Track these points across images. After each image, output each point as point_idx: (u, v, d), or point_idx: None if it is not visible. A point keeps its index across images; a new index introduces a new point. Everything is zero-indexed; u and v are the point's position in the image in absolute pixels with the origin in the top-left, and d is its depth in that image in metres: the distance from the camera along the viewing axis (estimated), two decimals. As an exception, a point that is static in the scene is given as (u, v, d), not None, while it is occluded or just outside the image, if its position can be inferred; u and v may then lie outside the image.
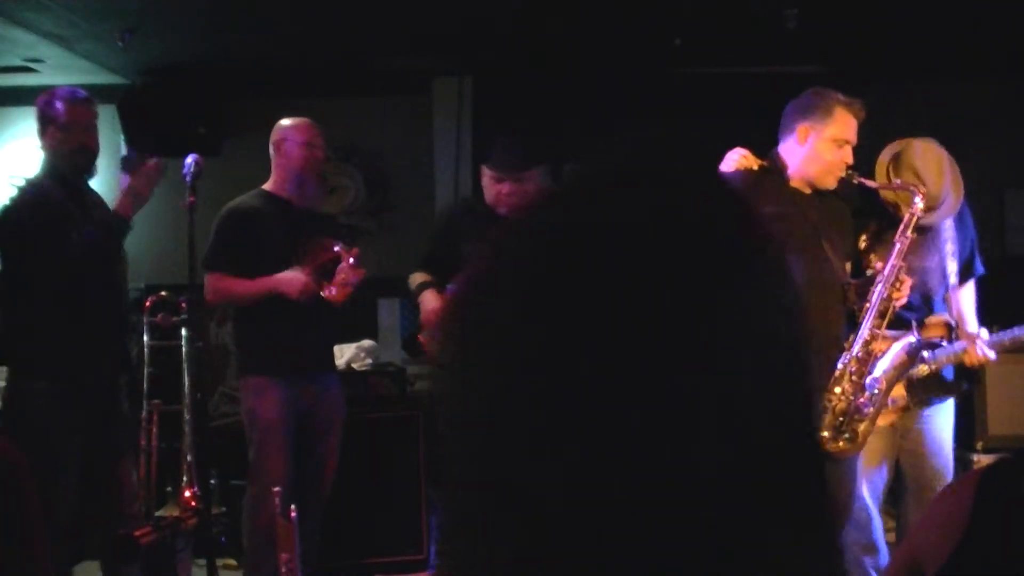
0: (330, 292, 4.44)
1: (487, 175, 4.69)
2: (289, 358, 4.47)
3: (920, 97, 4.25)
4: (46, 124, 4.22)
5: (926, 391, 4.07)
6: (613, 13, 5.77)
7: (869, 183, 3.98)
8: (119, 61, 6.46)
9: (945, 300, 4.27)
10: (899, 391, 4.04)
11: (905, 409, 4.09)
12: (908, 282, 3.91)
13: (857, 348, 3.86)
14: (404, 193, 7.18)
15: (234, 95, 6.86)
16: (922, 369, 4.08)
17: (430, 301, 4.56)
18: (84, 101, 4.27)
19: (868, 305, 3.88)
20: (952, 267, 4.20)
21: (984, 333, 4.16)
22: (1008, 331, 4.12)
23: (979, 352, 4.10)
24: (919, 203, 3.90)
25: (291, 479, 4.38)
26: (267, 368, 4.48)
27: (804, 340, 0.85)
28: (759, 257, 0.86)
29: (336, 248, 4.51)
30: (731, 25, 6.00)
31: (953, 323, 4.21)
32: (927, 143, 4.14)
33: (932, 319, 4.17)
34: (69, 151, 4.20)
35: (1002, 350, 4.13)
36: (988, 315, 4.34)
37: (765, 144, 4.06)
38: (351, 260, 4.49)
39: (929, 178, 4.02)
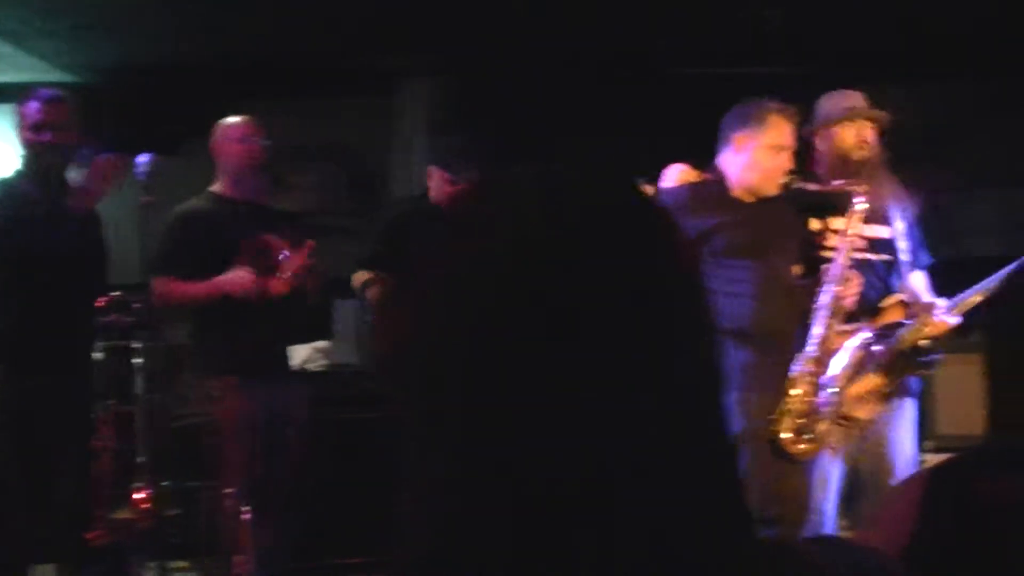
0: (276, 286, 4.44)
1: (439, 176, 4.70)
2: (244, 359, 4.45)
3: (882, 99, 4.28)
4: (21, 123, 4.35)
5: (899, 371, 4.09)
6: (594, 14, 5.78)
7: (810, 187, 4.03)
8: (72, 60, 6.40)
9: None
10: (874, 380, 4.05)
11: (888, 396, 4.09)
12: (857, 280, 3.96)
13: (812, 348, 3.89)
14: (371, 195, 7.14)
15: (204, 95, 6.80)
16: (905, 338, 4.08)
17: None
18: (57, 100, 4.35)
19: (819, 305, 3.92)
20: (903, 244, 4.23)
21: (941, 302, 4.16)
22: (963, 293, 4.11)
23: (939, 319, 4.09)
24: (859, 202, 3.96)
25: (251, 481, 4.36)
26: (222, 369, 4.46)
27: (709, 325, 0.87)
28: (673, 264, 0.86)
29: (270, 240, 4.49)
30: (713, 25, 6.03)
31: (908, 302, 4.20)
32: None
33: (888, 300, 4.18)
34: (42, 150, 4.31)
35: (961, 312, 4.11)
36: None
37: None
38: (286, 252, 4.48)
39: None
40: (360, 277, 4.66)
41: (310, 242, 4.58)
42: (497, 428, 0.77)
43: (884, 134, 4.23)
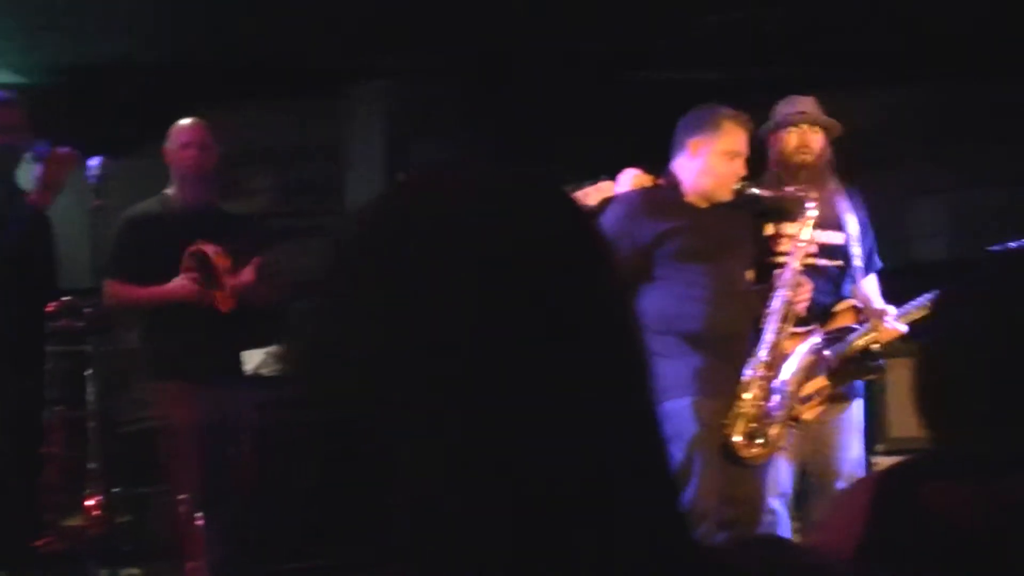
0: (220, 301, 4.42)
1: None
2: (193, 363, 4.43)
3: (827, 104, 4.33)
4: None
5: (846, 375, 4.13)
6: (544, 19, 5.79)
7: (762, 193, 4.06)
8: (21, 60, 6.33)
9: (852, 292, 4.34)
10: (820, 382, 4.09)
11: (831, 399, 4.13)
12: (808, 285, 4.00)
13: (764, 353, 3.93)
14: (323, 198, 7.11)
15: (159, 97, 6.73)
16: (855, 344, 4.13)
17: None
18: (6, 102, 4.37)
19: (771, 310, 3.95)
20: (856, 249, 4.27)
21: (892, 309, 4.22)
22: (913, 301, 4.17)
23: (889, 326, 4.15)
24: (811, 208, 3.98)
25: (202, 486, 4.34)
26: (171, 373, 4.44)
27: (633, 324, 0.88)
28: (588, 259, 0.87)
29: (207, 251, 4.46)
30: (651, 30, 6.05)
31: (860, 306, 4.26)
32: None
33: (841, 306, 4.23)
34: None
35: (911, 320, 4.17)
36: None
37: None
38: (226, 264, 4.46)
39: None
40: None
41: (257, 259, 4.55)
42: (494, 429, 0.77)
43: (835, 141, 4.27)
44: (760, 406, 3.88)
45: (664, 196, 4.05)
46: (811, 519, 4.37)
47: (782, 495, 4.15)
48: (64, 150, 4.37)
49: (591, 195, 4.09)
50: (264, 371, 5.73)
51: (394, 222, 0.84)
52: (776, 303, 3.97)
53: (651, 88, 6.60)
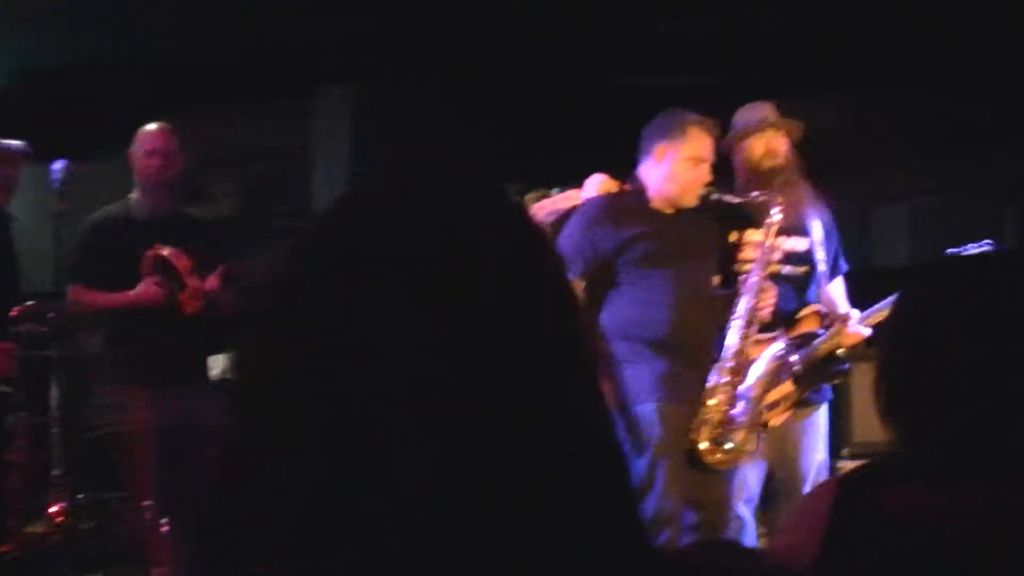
0: (186, 305, 4.39)
1: None
2: (156, 368, 4.41)
3: (788, 113, 4.34)
4: None
5: (811, 380, 4.15)
6: (491, 22, 5.81)
7: (728, 198, 4.08)
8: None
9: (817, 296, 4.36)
10: (787, 388, 4.11)
11: (796, 404, 4.15)
12: (772, 291, 4.03)
13: (729, 359, 3.95)
14: (286, 204, 7.07)
15: (124, 99, 6.68)
16: (820, 348, 4.15)
17: None
18: None
19: (736, 316, 3.98)
20: (821, 254, 4.29)
21: (855, 313, 4.23)
22: (876, 305, 4.17)
23: (852, 330, 4.16)
24: (776, 214, 4.01)
25: (165, 492, 4.31)
26: (134, 378, 4.41)
27: (579, 331, 0.87)
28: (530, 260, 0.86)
29: (165, 253, 4.44)
30: (606, 35, 6.07)
31: (824, 312, 4.27)
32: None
33: (804, 311, 4.23)
34: None
35: (874, 324, 4.17)
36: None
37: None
38: (187, 264, 4.44)
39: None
40: None
41: (222, 265, 4.54)
42: (439, 439, 0.77)
43: (798, 145, 4.30)
44: (725, 412, 3.89)
45: (629, 201, 4.06)
46: (777, 524, 4.40)
47: (748, 500, 4.17)
48: (13, 145, 4.32)
49: (559, 202, 4.11)
50: (230, 376, 5.71)
51: (333, 237, 0.84)
52: (741, 309, 3.99)
53: (618, 94, 6.62)
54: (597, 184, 4.11)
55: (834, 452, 5.18)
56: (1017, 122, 6.64)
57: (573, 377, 0.83)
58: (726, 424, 3.89)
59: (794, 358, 4.06)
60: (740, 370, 3.96)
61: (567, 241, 3.95)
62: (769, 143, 4.20)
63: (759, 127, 4.22)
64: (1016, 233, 6.93)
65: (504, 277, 0.82)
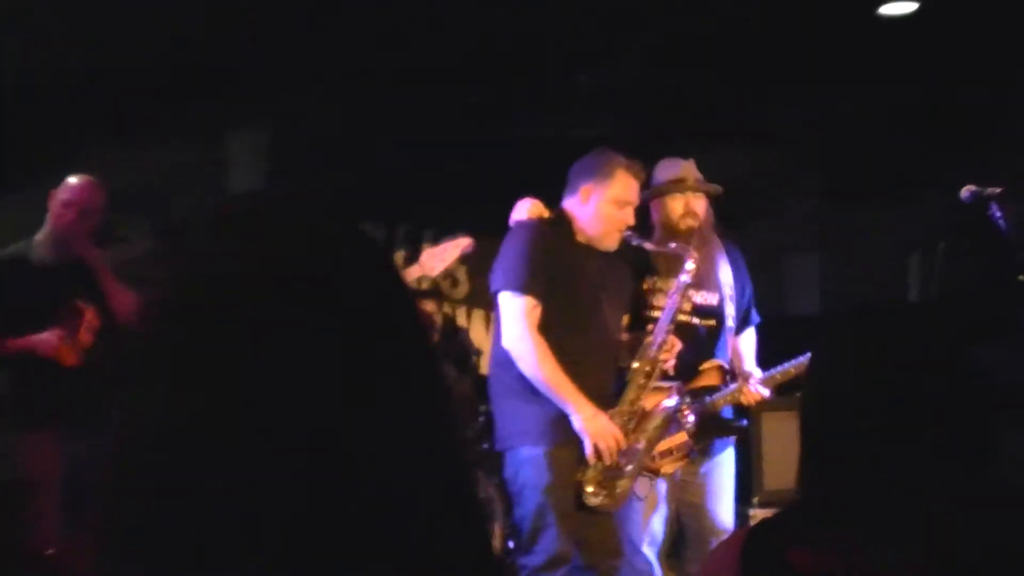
0: (65, 356, 4.33)
1: None
2: (60, 412, 4.30)
3: (703, 163, 4.38)
4: None
5: (706, 433, 4.17)
6: (409, 71, 5.80)
7: (647, 245, 4.08)
8: None
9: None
10: (680, 438, 4.10)
11: (689, 455, 4.15)
12: (677, 345, 4.03)
13: (625, 406, 3.95)
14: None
15: (34, 133, 6.54)
16: (717, 403, 4.17)
17: None
18: None
19: (637, 364, 3.99)
20: (730, 309, 4.32)
21: (757, 372, 4.27)
22: (778, 367, 4.21)
23: (753, 390, 4.19)
24: (689, 268, 4.04)
25: (70, 539, 4.20)
26: (36, 422, 4.29)
27: (440, 377, 0.88)
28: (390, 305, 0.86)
29: (86, 314, 4.37)
30: (525, 85, 6.10)
31: (727, 367, 4.29)
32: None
33: (707, 365, 4.24)
34: None
35: (774, 385, 4.22)
36: (763, 368, 4.39)
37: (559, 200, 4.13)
38: (94, 323, 4.37)
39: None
40: None
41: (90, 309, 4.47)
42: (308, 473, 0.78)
43: (714, 202, 4.34)
44: (613, 458, 3.87)
45: (557, 231, 4.02)
46: (685, 570, 4.39)
47: (652, 543, 4.16)
48: None
49: (448, 250, 4.06)
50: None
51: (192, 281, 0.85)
52: (644, 358, 3.99)
53: (516, 141, 6.67)
54: (527, 207, 4.07)
55: (744, 499, 5.20)
56: (922, 174, 6.78)
57: (427, 406, 0.84)
58: (612, 470, 3.88)
59: (689, 416, 4.06)
60: (633, 418, 3.96)
61: (518, 261, 3.87)
62: (689, 203, 4.22)
63: (680, 188, 4.24)
64: (920, 283, 7.06)
65: (375, 322, 0.83)
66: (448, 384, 0.89)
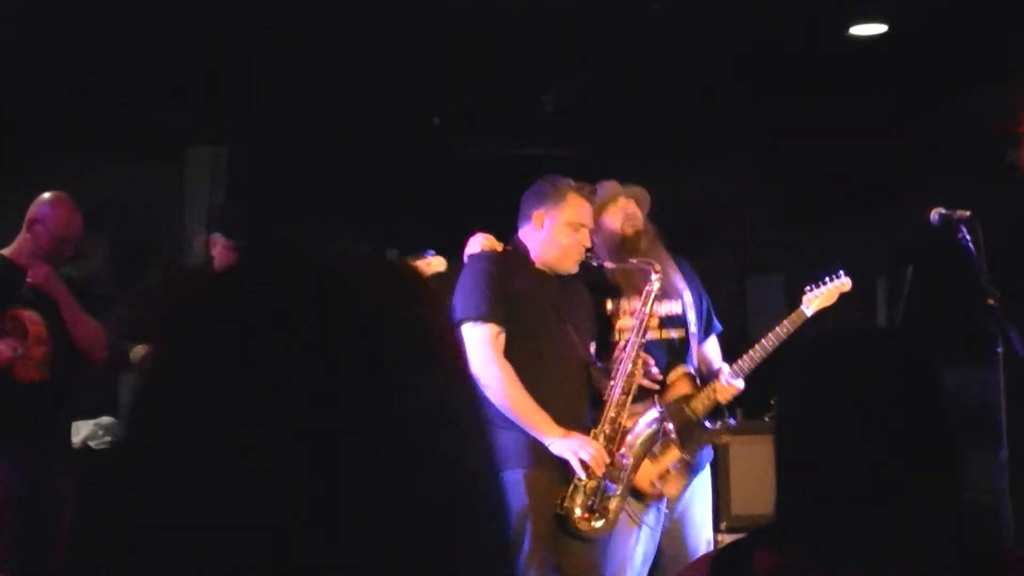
0: (22, 372, 4.23)
1: (222, 244, 4.57)
2: (9, 436, 4.20)
3: (666, 184, 4.37)
4: None
5: (694, 442, 4.12)
6: (372, 89, 5.74)
7: (607, 264, 4.06)
8: None
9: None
10: (673, 455, 4.06)
11: (688, 466, 4.10)
12: (650, 361, 4.00)
13: (605, 427, 3.89)
14: (156, 262, 6.87)
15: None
16: (696, 408, 4.14)
17: None
18: None
19: (612, 383, 3.95)
20: (692, 316, 4.28)
21: (725, 367, 4.23)
22: (744, 356, 4.19)
23: (725, 383, 4.17)
24: (655, 280, 4.00)
25: (18, 564, 4.11)
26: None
27: (472, 399, 0.84)
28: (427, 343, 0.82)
29: (23, 317, 4.28)
30: (490, 106, 6.06)
31: (694, 373, 4.26)
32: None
33: (674, 374, 4.20)
34: None
35: (744, 374, 4.19)
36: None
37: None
38: (39, 332, 4.28)
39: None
40: (140, 351, 4.46)
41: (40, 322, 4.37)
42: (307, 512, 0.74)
43: (649, 213, 4.30)
44: (600, 481, 3.84)
45: (515, 260, 4.01)
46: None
47: (635, 568, 4.11)
48: None
49: (420, 270, 4.00)
50: (93, 443, 5.47)
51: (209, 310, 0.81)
52: (617, 377, 3.95)
53: (483, 162, 6.62)
54: (480, 241, 4.05)
55: (712, 526, 5.16)
56: (889, 195, 6.80)
57: (468, 439, 0.81)
58: (600, 492, 3.84)
59: (670, 425, 4.02)
60: (615, 437, 3.91)
61: (476, 291, 3.85)
62: (625, 210, 4.21)
63: (612, 197, 4.23)
64: (887, 304, 7.07)
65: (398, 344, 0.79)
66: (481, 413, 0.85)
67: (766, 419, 4.16)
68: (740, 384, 4.19)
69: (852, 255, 7.38)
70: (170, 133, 6.50)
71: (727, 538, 5.10)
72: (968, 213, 4.08)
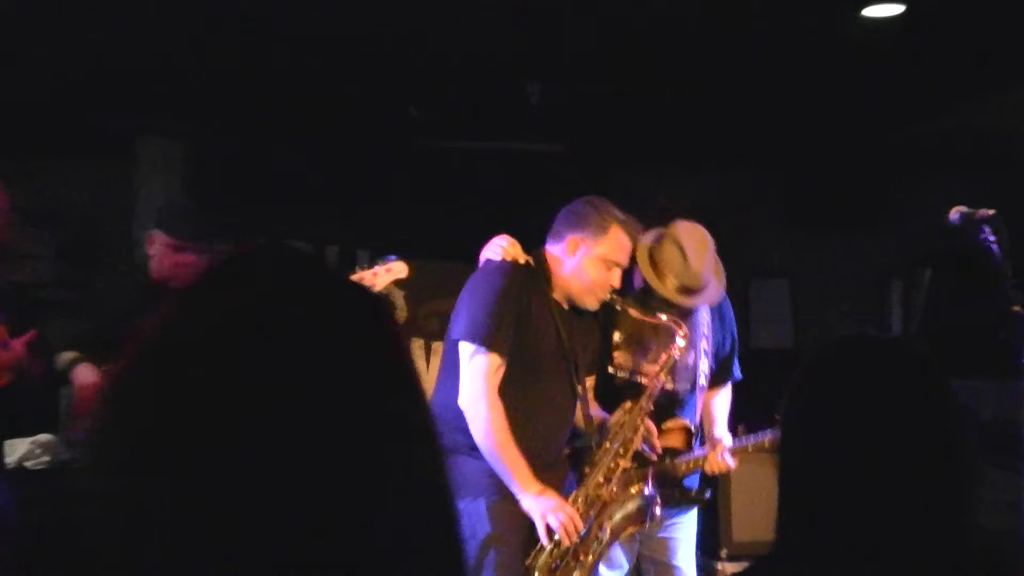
0: None
1: (162, 242, 4.24)
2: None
3: (661, 184, 4.06)
4: None
5: (665, 501, 3.75)
6: (347, 80, 5.42)
7: (633, 312, 3.66)
8: None
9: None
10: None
11: (643, 522, 3.72)
12: (653, 432, 3.69)
13: (588, 489, 3.58)
14: (111, 264, 6.58)
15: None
16: (680, 468, 3.87)
17: (87, 375, 4.05)
18: None
19: (607, 444, 3.62)
20: (704, 366, 3.95)
21: (727, 439, 3.94)
22: (750, 436, 3.91)
23: (719, 459, 3.86)
24: (680, 342, 3.65)
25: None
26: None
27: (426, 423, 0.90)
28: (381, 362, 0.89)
29: None
30: (472, 98, 5.74)
31: (694, 428, 3.95)
32: (693, 224, 3.86)
33: (670, 424, 3.89)
34: None
35: (744, 454, 3.91)
36: (732, 408, 4.14)
37: (506, 221, 3.76)
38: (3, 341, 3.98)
39: (692, 255, 3.74)
40: (66, 356, 4.15)
41: (32, 331, 4.05)
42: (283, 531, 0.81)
43: (650, 212, 3.91)
44: (574, 543, 3.46)
45: (530, 280, 3.62)
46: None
47: None
48: None
49: (379, 276, 3.64)
50: (29, 463, 5.17)
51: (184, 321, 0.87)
52: (615, 439, 3.61)
53: (462, 156, 6.33)
54: (503, 247, 3.63)
55: (712, 554, 5.03)
56: (901, 196, 6.56)
57: (415, 450, 0.87)
58: (569, 561, 3.49)
59: (658, 510, 3.64)
60: (595, 503, 3.57)
61: (486, 312, 3.48)
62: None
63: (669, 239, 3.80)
64: (903, 311, 6.84)
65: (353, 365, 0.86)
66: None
67: (766, 444, 3.83)
68: (733, 464, 3.88)
69: (861, 259, 7.20)
70: (120, 130, 6.22)
71: (728, 567, 4.88)
72: (992, 212, 3.67)
